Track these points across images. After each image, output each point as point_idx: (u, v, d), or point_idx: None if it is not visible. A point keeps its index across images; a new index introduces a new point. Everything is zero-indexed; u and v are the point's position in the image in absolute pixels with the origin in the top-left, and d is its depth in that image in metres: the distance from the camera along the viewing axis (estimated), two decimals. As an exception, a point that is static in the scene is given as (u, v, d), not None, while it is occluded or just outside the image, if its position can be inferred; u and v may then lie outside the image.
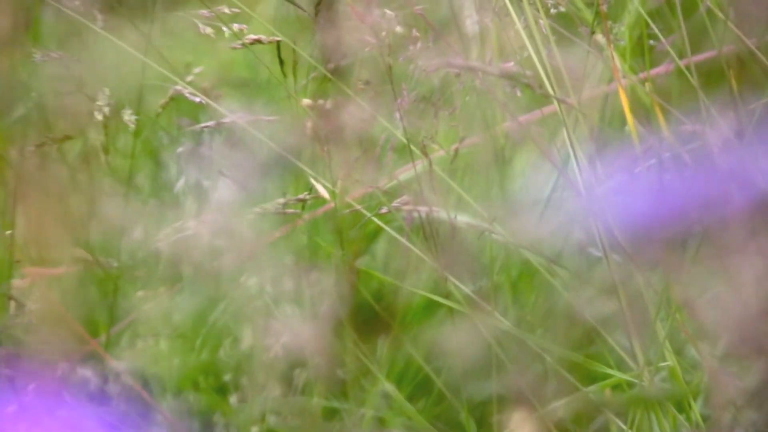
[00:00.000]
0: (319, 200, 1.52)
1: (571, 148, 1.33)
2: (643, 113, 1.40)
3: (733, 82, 1.33)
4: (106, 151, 1.50)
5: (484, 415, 1.39)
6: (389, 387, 1.44)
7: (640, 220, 0.81)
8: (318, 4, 1.30)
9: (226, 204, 0.96)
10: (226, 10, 1.86)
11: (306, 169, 1.38)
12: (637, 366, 1.35)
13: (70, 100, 1.39)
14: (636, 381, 1.37)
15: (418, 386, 1.75)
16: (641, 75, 1.76)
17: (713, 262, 1.03)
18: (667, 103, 1.34)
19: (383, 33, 1.28)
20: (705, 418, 1.31)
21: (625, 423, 1.31)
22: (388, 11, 1.27)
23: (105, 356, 1.36)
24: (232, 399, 1.31)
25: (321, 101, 1.30)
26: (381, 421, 1.35)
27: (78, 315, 1.51)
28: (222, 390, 1.32)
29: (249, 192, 1.21)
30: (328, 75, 1.38)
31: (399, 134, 1.28)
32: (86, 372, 1.52)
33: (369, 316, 1.31)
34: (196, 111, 1.39)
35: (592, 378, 1.45)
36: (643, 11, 1.94)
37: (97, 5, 1.17)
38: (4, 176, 1.13)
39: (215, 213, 0.78)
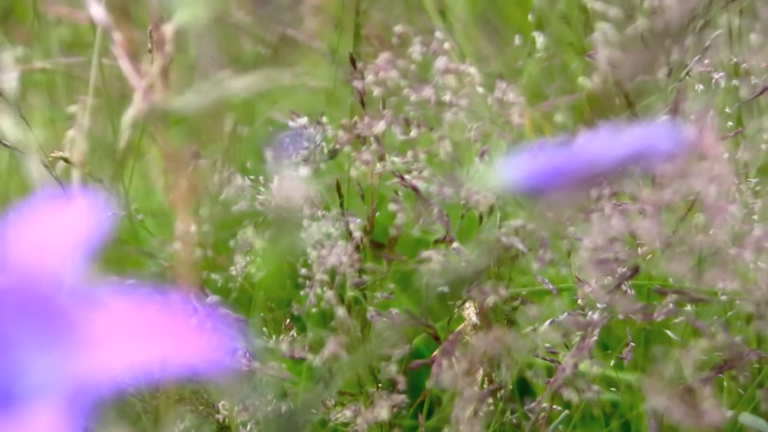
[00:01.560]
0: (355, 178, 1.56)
1: (498, 149, 1.36)
2: (538, 130, 1.41)
3: (589, 113, 1.35)
4: (230, 150, 1.51)
5: (447, 303, 1.40)
6: (392, 285, 1.45)
7: (537, 189, 0.82)
8: (353, 66, 1.32)
9: (301, 179, 0.96)
10: (300, 69, 1.90)
11: (347, 159, 1.41)
12: (534, 274, 1.37)
13: (210, 122, 1.41)
14: (536, 282, 1.40)
15: (407, 285, 1.77)
16: (537, 108, 1.79)
17: (577, 212, 1.04)
18: (551, 124, 1.36)
19: (390, 83, 1.30)
20: (573, 302, 1.34)
21: (528, 305, 1.33)
22: (394, 71, 1.29)
23: (228, 267, 1.38)
24: (302, 292, 1.33)
25: (355, 120, 1.31)
26: (386, 305, 1.36)
27: (214, 243, 1.53)
28: (297, 286, 1.34)
29: (314, 172, 1.23)
30: (359, 106, 1.40)
31: (398, 138, 1.30)
32: (217, 276, 1.54)
33: (381, 245, 1.32)
34: (282, 126, 1.41)
35: (509, 280, 1.47)
36: (536, 72, 1.96)
37: (226, 67, 1.19)
38: (174, 166, 1.16)
39: (295, 184, 0.80)
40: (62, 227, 0.65)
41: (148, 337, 0.61)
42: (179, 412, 0.82)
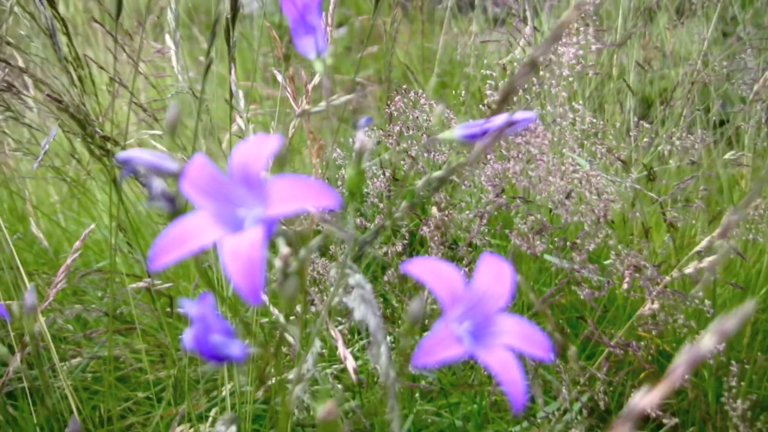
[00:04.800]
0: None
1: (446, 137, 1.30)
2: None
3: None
4: (336, 131, 1.43)
5: (423, 203, 1.35)
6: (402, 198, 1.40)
7: (467, 139, 0.77)
8: (386, 104, 1.26)
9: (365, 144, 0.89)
10: (367, 113, 1.85)
11: (383, 143, 1.35)
12: (461, 191, 1.31)
13: (327, 119, 1.35)
14: (462, 195, 1.33)
15: (409, 196, 1.69)
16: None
17: (488, 148, 0.98)
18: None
19: (400, 110, 1.23)
20: (478, 204, 1.28)
21: (459, 204, 1.26)
22: (402, 104, 1.23)
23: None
24: (365, 199, 1.28)
25: (386, 126, 1.24)
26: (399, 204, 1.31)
27: (327, 176, 1.45)
28: (362, 196, 1.28)
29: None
30: (388, 120, 1.33)
31: (405, 134, 1.24)
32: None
33: (398, 179, 1.26)
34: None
35: (451, 194, 1.40)
36: (461, 112, 1.90)
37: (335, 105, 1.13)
38: (311, 137, 1.10)
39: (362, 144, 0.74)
40: (261, 146, 0.62)
41: (300, 195, 0.59)
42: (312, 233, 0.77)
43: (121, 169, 0.67)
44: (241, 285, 0.57)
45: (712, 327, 0.61)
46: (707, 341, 0.60)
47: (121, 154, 0.67)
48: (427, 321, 1.19)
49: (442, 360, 0.61)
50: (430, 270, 0.64)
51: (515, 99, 1.23)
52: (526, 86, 1.25)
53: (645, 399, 0.60)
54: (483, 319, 0.68)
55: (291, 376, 0.90)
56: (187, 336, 0.63)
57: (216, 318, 0.64)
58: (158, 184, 0.67)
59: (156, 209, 0.67)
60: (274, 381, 1.34)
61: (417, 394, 1.46)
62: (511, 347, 0.66)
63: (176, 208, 0.66)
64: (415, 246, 1.47)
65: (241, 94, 1.03)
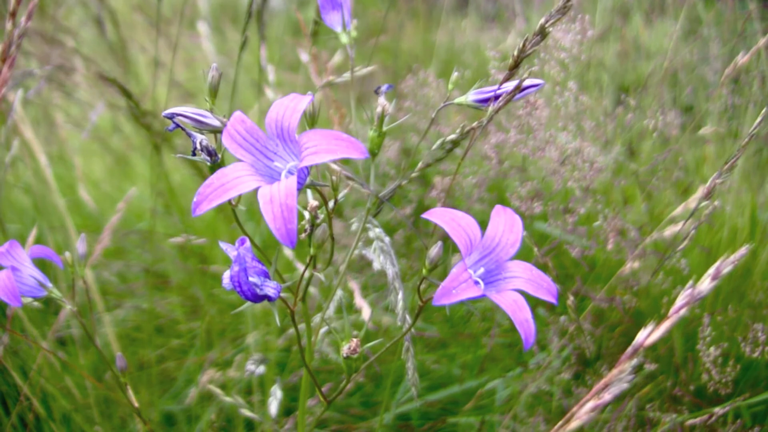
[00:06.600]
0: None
1: (449, 110, 1.24)
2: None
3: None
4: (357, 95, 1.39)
5: (427, 171, 1.31)
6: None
7: (478, 103, 0.73)
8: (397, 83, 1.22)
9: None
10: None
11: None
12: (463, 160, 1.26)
13: (348, 88, 1.31)
14: (464, 164, 1.29)
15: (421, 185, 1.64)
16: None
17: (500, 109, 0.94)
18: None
19: (411, 87, 1.19)
20: (482, 170, 1.23)
21: (464, 174, 1.22)
22: (413, 83, 1.19)
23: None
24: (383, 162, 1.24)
25: (399, 101, 1.20)
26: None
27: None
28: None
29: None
30: (399, 97, 1.29)
31: (415, 108, 1.20)
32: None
33: (408, 150, 1.22)
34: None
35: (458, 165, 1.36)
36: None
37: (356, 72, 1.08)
38: (335, 104, 1.06)
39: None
40: (295, 103, 0.59)
41: (331, 147, 0.55)
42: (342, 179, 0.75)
43: (169, 121, 0.64)
44: (277, 229, 0.54)
45: (709, 271, 0.58)
46: (705, 283, 0.57)
47: (168, 110, 0.64)
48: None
49: (460, 300, 0.58)
50: (450, 218, 0.61)
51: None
52: (528, 66, 1.21)
53: (650, 336, 0.57)
54: (496, 265, 0.65)
55: (315, 320, 0.87)
56: (226, 276, 0.60)
57: (253, 260, 0.61)
58: (201, 138, 0.63)
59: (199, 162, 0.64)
60: (293, 331, 1.31)
61: (419, 346, 1.43)
62: (521, 291, 0.63)
63: (217, 160, 0.63)
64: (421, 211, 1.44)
65: (270, 68, 0.99)
